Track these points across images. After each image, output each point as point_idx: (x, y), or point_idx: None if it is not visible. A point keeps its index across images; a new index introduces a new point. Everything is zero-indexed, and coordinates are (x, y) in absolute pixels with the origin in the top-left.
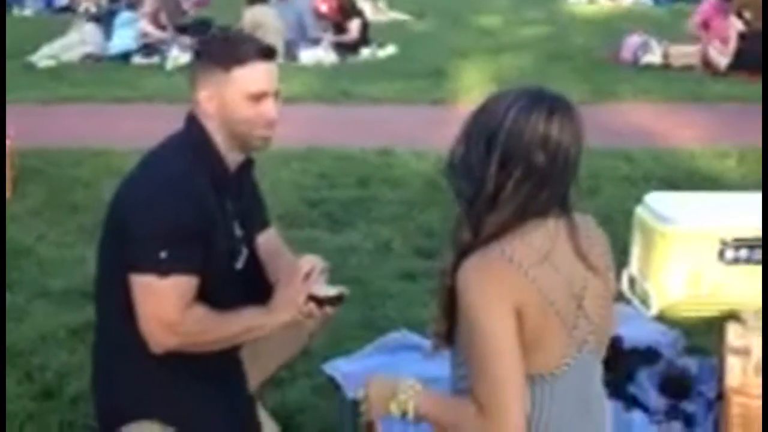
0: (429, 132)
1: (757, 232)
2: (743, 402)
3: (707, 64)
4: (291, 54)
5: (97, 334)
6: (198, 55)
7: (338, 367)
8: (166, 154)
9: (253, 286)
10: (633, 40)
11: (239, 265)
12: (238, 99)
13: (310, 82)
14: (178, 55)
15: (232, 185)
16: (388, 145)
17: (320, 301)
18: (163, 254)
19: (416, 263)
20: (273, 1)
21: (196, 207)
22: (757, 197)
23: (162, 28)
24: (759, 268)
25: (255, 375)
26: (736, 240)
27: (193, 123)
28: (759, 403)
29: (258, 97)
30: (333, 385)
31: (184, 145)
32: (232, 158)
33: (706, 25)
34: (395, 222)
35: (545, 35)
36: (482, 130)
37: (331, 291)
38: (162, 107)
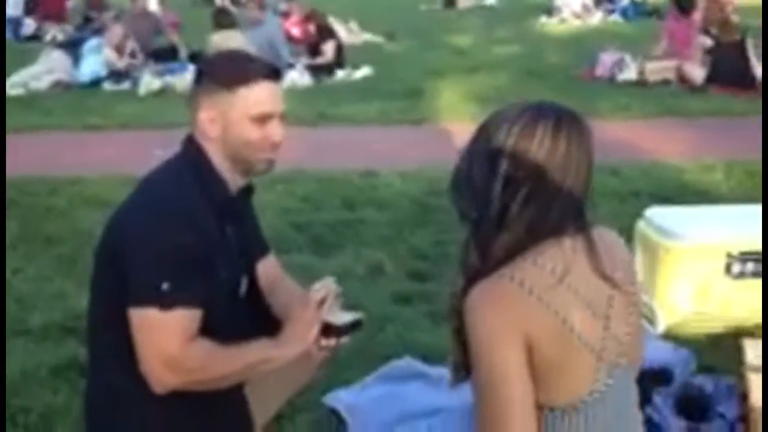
0: (411, 152)
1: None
2: None
3: (683, 79)
4: None
5: (90, 375)
6: (200, 74)
7: (341, 399)
8: (163, 178)
9: (256, 316)
10: (608, 57)
11: (242, 294)
12: (243, 120)
13: (287, 104)
14: (151, 81)
15: (233, 210)
16: (371, 167)
17: (336, 330)
18: (164, 286)
19: (410, 286)
20: (243, 27)
21: (199, 234)
22: (759, 209)
23: (131, 54)
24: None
25: (261, 413)
26: (743, 254)
27: (191, 146)
28: None
29: (263, 119)
30: (336, 417)
31: (183, 169)
32: (233, 182)
33: (672, 41)
34: (385, 245)
35: (518, 54)
36: (485, 147)
37: (347, 317)
38: (136, 134)
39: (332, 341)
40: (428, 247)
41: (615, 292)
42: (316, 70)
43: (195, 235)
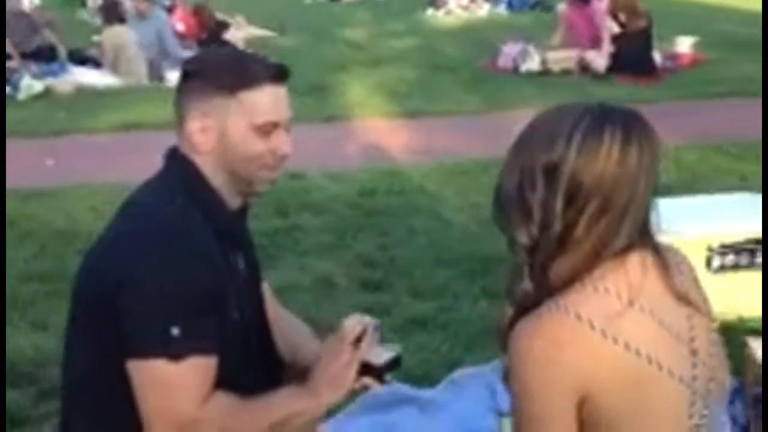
0: (333, 151)
1: (743, 236)
2: None
3: (585, 67)
4: (156, 75)
5: None
6: (188, 75)
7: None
8: (155, 201)
9: (268, 359)
10: (510, 48)
11: (252, 332)
12: (245, 131)
13: None
14: (32, 84)
15: (235, 235)
16: (296, 168)
17: (376, 370)
18: (175, 331)
19: (366, 298)
20: (131, 21)
21: (208, 265)
22: (733, 199)
23: (7, 56)
24: (744, 275)
25: None
26: (723, 246)
27: (179, 161)
28: None
29: (269, 129)
30: None
31: (174, 189)
32: (231, 202)
33: (571, 30)
34: (329, 253)
35: (416, 46)
36: (539, 160)
37: (387, 353)
38: (19, 143)
39: (375, 385)
40: (374, 253)
41: (692, 311)
42: None
43: (203, 266)
